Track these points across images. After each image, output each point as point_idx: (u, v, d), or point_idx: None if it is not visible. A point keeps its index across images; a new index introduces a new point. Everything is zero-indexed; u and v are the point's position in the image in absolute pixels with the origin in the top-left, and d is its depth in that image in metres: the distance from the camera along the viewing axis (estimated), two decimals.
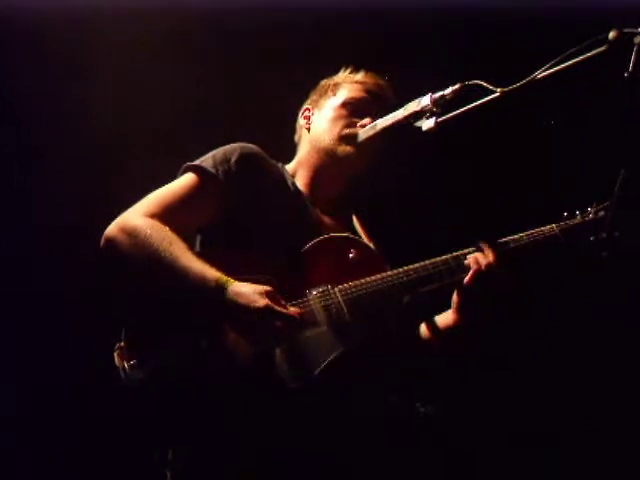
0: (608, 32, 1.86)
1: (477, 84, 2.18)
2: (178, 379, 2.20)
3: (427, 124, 2.30)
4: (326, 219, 2.60)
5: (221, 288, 2.20)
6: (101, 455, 3.31)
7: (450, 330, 2.51)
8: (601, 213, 2.49)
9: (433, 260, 2.45)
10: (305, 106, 2.78)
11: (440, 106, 2.29)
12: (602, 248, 2.44)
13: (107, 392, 2.31)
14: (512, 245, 2.48)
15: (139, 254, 2.28)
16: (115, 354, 2.24)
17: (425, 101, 2.32)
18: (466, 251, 2.46)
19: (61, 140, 3.38)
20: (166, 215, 2.35)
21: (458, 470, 3.30)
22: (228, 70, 3.50)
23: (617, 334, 3.46)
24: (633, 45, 1.78)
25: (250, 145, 2.55)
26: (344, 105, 2.65)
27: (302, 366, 2.24)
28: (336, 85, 2.71)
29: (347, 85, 2.70)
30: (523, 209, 3.18)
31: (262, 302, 2.19)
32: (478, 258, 2.43)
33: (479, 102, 2.17)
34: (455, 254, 2.46)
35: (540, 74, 2.03)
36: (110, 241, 2.33)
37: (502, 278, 2.42)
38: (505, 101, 2.13)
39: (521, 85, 2.08)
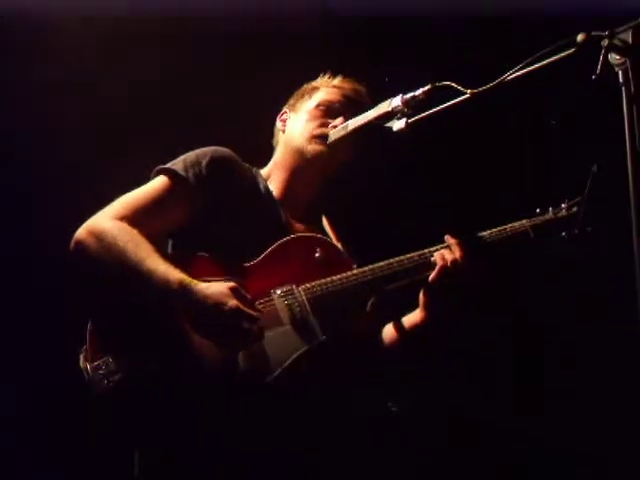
0: (576, 35, 1.88)
1: (448, 85, 2.19)
2: (143, 382, 2.20)
3: (398, 125, 2.31)
4: (296, 222, 2.60)
5: (185, 290, 2.20)
6: (100, 455, 3.31)
7: (417, 328, 2.52)
8: (573, 209, 2.51)
9: (399, 258, 2.46)
10: (283, 109, 2.80)
11: (411, 107, 2.31)
12: (574, 244, 2.48)
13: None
14: (481, 241, 2.48)
15: (106, 256, 2.28)
16: (81, 356, 2.23)
17: (396, 102, 2.33)
18: (434, 248, 2.47)
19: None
20: (136, 218, 2.35)
21: (430, 468, 3.32)
22: (210, 70, 3.51)
23: (589, 329, 3.49)
24: (601, 48, 1.80)
25: (222, 149, 2.55)
26: (318, 106, 2.67)
27: (264, 365, 2.24)
28: (313, 89, 2.74)
29: (324, 89, 2.73)
30: (495, 205, 3.19)
31: (231, 303, 2.19)
32: (444, 254, 2.43)
33: (449, 103, 2.18)
34: (422, 251, 2.47)
35: (510, 76, 2.04)
36: (79, 244, 2.33)
37: (469, 274, 2.42)
38: (475, 102, 2.14)
39: (491, 86, 2.09)
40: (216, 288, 2.22)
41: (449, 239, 2.46)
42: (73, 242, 2.35)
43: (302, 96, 2.75)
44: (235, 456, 2.23)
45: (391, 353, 2.60)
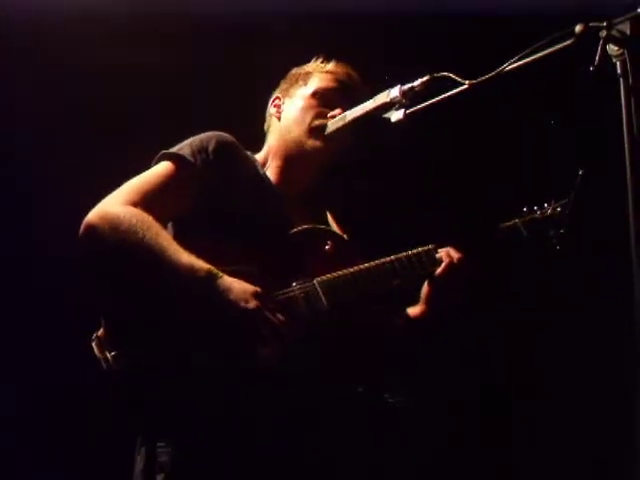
0: (575, 25, 1.88)
1: (446, 76, 2.19)
2: (160, 371, 2.17)
3: (396, 115, 2.31)
4: (297, 210, 2.59)
5: (212, 280, 2.18)
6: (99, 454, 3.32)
7: (417, 321, 2.54)
8: (558, 209, 2.53)
9: (406, 253, 2.47)
10: (275, 94, 2.76)
11: (409, 98, 2.31)
12: (561, 243, 2.50)
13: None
14: (483, 238, 2.52)
15: (124, 243, 2.21)
16: (93, 344, 2.20)
17: (394, 92, 2.33)
18: (435, 245, 2.49)
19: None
20: (147, 203, 2.30)
21: (428, 461, 3.33)
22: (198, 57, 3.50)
23: (583, 324, 3.51)
24: (599, 39, 1.80)
25: (225, 134, 2.52)
26: (314, 95, 2.63)
27: (283, 357, 2.23)
28: (307, 74, 2.70)
29: (318, 74, 2.68)
30: (483, 204, 3.22)
31: (253, 303, 2.18)
32: (450, 252, 2.47)
33: (448, 94, 2.18)
34: (426, 248, 2.49)
35: (508, 67, 2.04)
36: (91, 229, 2.26)
37: (472, 272, 2.46)
38: (473, 93, 2.14)
39: (489, 77, 2.09)
40: (242, 284, 2.21)
41: (453, 235, 2.51)
42: (84, 227, 2.27)
43: (296, 81, 2.70)
44: (247, 448, 2.23)
45: (392, 345, 2.62)
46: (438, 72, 2.24)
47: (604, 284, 3.37)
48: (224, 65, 3.50)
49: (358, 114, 2.47)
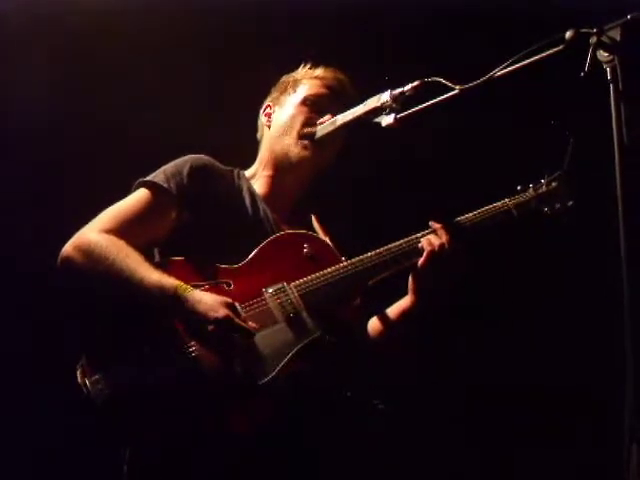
0: (565, 31, 1.89)
1: (436, 81, 2.19)
2: (138, 389, 2.20)
3: (386, 120, 2.31)
4: (283, 219, 2.59)
5: (180, 296, 2.21)
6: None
7: (406, 313, 2.52)
8: (553, 184, 2.54)
9: (388, 246, 2.47)
10: (266, 103, 2.77)
11: (399, 102, 2.31)
12: (557, 218, 2.50)
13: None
14: (466, 224, 2.49)
15: (96, 268, 2.29)
16: (78, 372, 2.23)
17: (385, 97, 2.33)
18: (419, 234, 2.48)
19: None
20: (122, 230, 2.37)
21: (415, 465, 3.33)
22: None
23: (577, 315, 3.50)
24: (589, 45, 1.81)
25: (200, 156, 2.56)
26: (304, 102, 2.64)
27: (261, 365, 2.24)
28: (296, 81, 2.70)
29: (307, 81, 2.69)
30: (477, 185, 3.19)
31: (222, 312, 2.19)
32: (431, 240, 2.44)
33: (438, 99, 2.19)
34: (409, 238, 2.48)
35: (498, 72, 2.05)
36: (66, 260, 2.34)
37: (455, 257, 2.43)
38: (464, 98, 2.15)
39: (479, 82, 2.09)
40: (211, 296, 2.24)
41: (434, 224, 2.47)
42: (60, 259, 2.36)
43: (285, 89, 2.71)
44: (232, 457, 2.23)
45: (381, 340, 2.60)
46: (429, 77, 2.24)
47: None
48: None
49: (348, 119, 2.47)
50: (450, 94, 2.15)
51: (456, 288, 2.53)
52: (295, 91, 2.68)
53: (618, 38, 1.79)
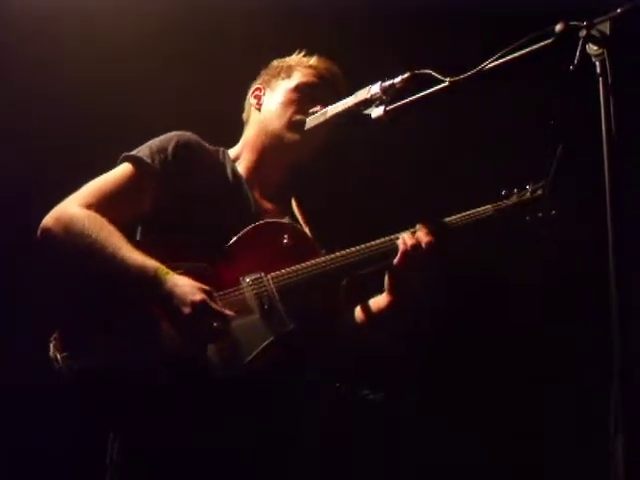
0: (555, 24, 1.89)
1: (427, 73, 2.19)
2: (110, 370, 2.20)
3: (376, 112, 2.30)
4: (265, 204, 2.60)
5: (160, 278, 2.21)
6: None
7: (383, 311, 2.53)
8: (538, 192, 2.53)
9: (369, 244, 2.48)
10: (256, 85, 2.76)
11: (390, 94, 2.31)
12: (539, 227, 2.50)
13: None
14: (445, 225, 2.50)
15: (77, 245, 2.27)
16: (51, 345, 2.22)
17: (375, 89, 2.33)
18: (400, 234, 2.48)
19: None
20: (103, 205, 2.35)
21: (406, 456, 3.34)
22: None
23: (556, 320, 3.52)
24: (579, 38, 1.81)
25: (187, 133, 2.55)
26: (296, 89, 2.64)
27: (234, 355, 2.24)
28: (289, 67, 2.70)
29: (300, 69, 2.69)
30: (462, 189, 3.20)
31: (199, 296, 2.19)
32: (405, 239, 2.45)
33: (428, 91, 2.18)
34: (390, 237, 2.49)
35: (488, 65, 2.05)
36: (46, 232, 2.32)
37: (431, 259, 2.43)
38: (454, 90, 2.14)
39: (470, 75, 2.09)
40: (189, 281, 2.23)
41: (418, 224, 2.48)
42: (40, 230, 2.33)
43: (278, 73, 2.71)
44: (203, 444, 2.23)
45: (360, 336, 2.61)
46: (419, 69, 2.24)
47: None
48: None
49: (339, 110, 2.47)
50: (440, 86, 2.14)
51: (432, 289, 2.54)
52: (288, 77, 2.68)
53: (608, 31, 1.80)
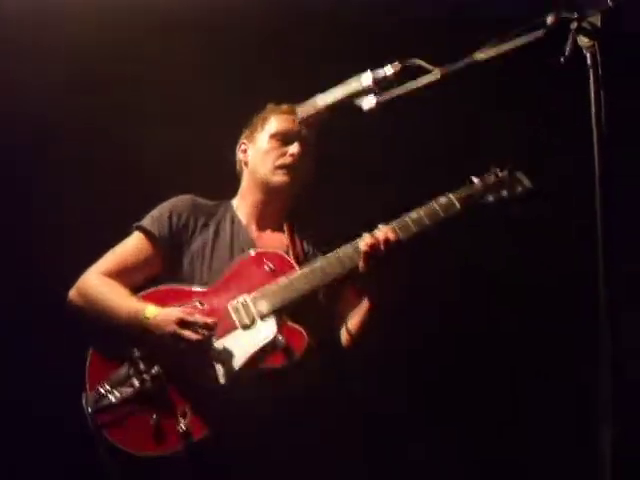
0: (546, 16, 1.89)
1: (416, 64, 2.18)
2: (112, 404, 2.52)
3: (368, 102, 2.28)
4: (264, 239, 2.81)
5: (143, 315, 2.56)
6: None
7: (366, 316, 2.62)
8: (502, 174, 2.56)
9: (335, 251, 2.59)
10: (241, 140, 2.96)
11: (381, 86, 2.29)
12: (505, 207, 2.51)
13: None
14: (405, 221, 2.53)
15: (93, 309, 2.71)
16: (83, 402, 2.55)
17: (366, 80, 2.30)
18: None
19: None
20: (119, 273, 2.76)
21: (391, 452, 3.37)
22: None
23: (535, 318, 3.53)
24: (570, 30, 1.81)
25: (183, 198, 2.87)
26: (274, 136, 2.83)
27: (219, 369, 2.48)
28: (264, 119, 2.91)
29: (274, 117, 2.88)
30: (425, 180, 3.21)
31: (175, 314, 2.52)
32: (366, 240, 2.49)
33: (420, 82, 2.17)
34: (355, 241, 2.56)
35: (479, 56, 2.04)
36: (70, 305, 2.77)
37: (392, 257, 2.47)
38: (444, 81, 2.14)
39: (459, 66, 2.09)
40: (163, 309, 2.57)
41: (381, 224, 2.54)
42: (67, 303, 2.76)
43: (256, 128, 2.91)
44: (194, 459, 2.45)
45: (355, 334, 2.69)
46: (408, 59, 2.23)
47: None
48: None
49: (329, 100, 2.44)
50: (431, 78, 2.14)
51: (405, 285, 2.58)
52: (263, 128, 2.87)
53: (599, 24, 1.80)
